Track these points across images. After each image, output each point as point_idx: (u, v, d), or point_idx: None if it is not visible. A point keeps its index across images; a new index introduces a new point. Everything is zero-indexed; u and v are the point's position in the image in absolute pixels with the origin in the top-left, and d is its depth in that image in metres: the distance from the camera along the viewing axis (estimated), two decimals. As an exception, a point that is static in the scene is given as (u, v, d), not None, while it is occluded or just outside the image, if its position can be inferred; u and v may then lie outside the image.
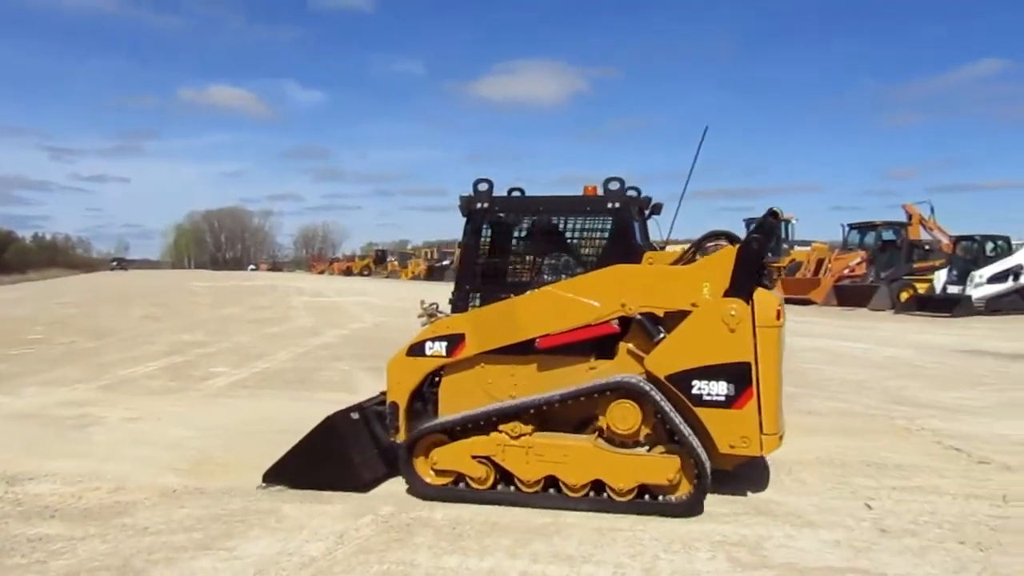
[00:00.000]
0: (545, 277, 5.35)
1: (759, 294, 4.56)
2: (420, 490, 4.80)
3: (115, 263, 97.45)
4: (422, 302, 5.43)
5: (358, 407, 5.32)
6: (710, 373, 4.51)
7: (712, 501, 4.58)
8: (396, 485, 5.03)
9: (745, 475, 5.06)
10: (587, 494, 4.59)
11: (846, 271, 25.20)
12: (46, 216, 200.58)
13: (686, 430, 4.47)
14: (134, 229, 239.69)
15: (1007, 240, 22.95)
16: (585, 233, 5.36)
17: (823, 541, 4.11)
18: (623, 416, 4.57)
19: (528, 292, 5.02)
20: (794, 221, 33.27)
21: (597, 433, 4.68)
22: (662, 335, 4.61)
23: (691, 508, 4.50)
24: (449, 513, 4.52)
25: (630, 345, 4.73)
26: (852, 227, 27.37)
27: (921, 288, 22.93)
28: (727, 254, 4.62)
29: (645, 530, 4.25)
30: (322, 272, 73.89)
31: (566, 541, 4.10)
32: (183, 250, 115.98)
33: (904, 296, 22.57)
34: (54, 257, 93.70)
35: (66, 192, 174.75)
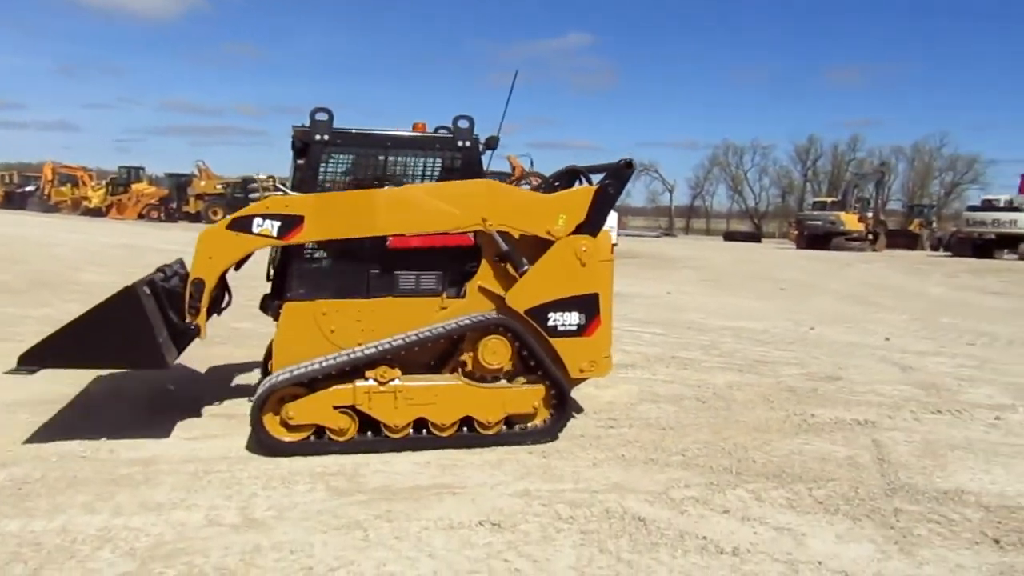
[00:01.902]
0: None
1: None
2: (273, 448, 4.41)
3: None
4: (257, 172, 4.67)
5: (147, 282, 4.51)
6: (564, 305, 4.80)
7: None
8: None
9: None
10: (456, 431, 4.67)
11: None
12: None
13: (548, 361, 4.73)
14: None
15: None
16: (424, 172, 5.11)
17: (416, 463, 4.44)
18: (494, 351, 4.68)
19: (388, 187, 4.71)
20: None
21: (460, 371, 4.69)
22: (526, 267, 4.75)
23: (553, 431, 4.88)
24: (13, 472, 3.97)
25: (480, 282, 4.79)
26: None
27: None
28: (586, 192, 4.90)
29: (244, 470, 4.19)
30: None
31: (155, 489, 3.88)
32: None
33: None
34: None
35: None
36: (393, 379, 4.58)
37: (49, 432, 4.63)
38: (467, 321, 4.75)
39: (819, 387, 6.66)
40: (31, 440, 4.52)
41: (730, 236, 48.88)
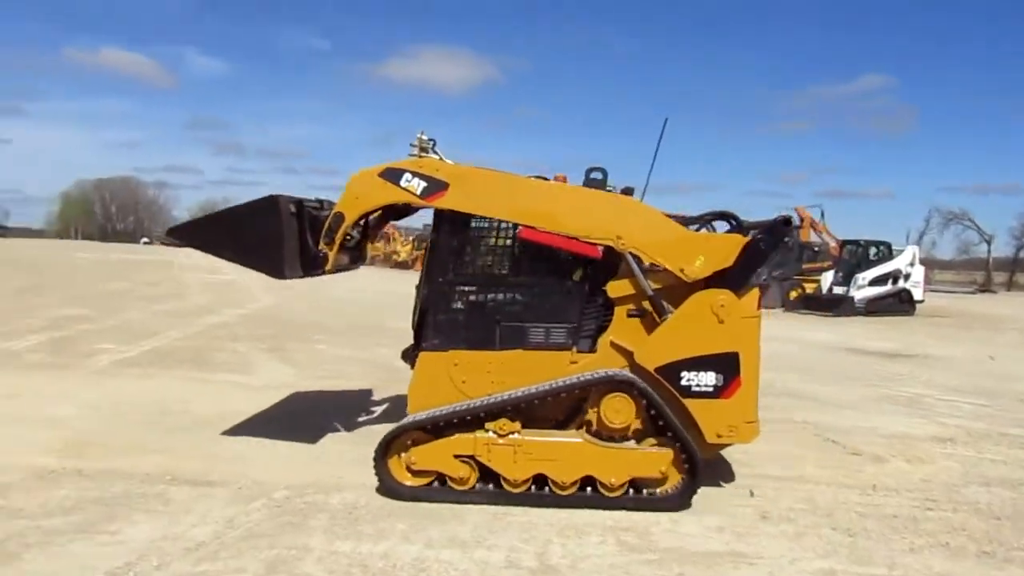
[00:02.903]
0: (526, 271, 4.90)
1: None
2: (396, 491, 4.50)
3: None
4: (422, 132, 4.97)
5: (295, 201, 4.97)
6: (699, 364, 4.51)
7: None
8: (291, 470, 4.93)
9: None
10: (577, 491, 4.49)
11: (740, 269, 26.16)
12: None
13: (678, 423, 4.47)
14: (15, 195, 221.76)
15: (888, 246, 24.42)
16: None
17: (707, 527, 4.28)
18: (617, 410, 4.50)
19: (535, 177, 4.85)
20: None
21: (585, 428, 4.59)
22: (669, 314, 4.58)
23: (682, 500, 4.49)
24: (345, 498, 4.48)
25: (612, 337, 4.70)
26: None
27: (809, 288, 24.15)
28: (734, 241, 4.62)
29: (540, 516, 4.32)
30: (220, 249, 70.94)
31: (461, 526, 4.13)
32: (69, 220, 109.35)
33: (793, 295, 23.74)
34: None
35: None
36: (512, 432, 4.47)
37: (366, 463, 5.13)
38: (587, 377, 4.54)
39: None
40: (354, 470, 5.02)
41: (1067, 293, 41.85)
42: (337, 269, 5.22)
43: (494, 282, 4.90)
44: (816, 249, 28.01)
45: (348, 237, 4.97)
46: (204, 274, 28.55)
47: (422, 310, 5.00)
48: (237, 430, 5.94)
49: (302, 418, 6.36)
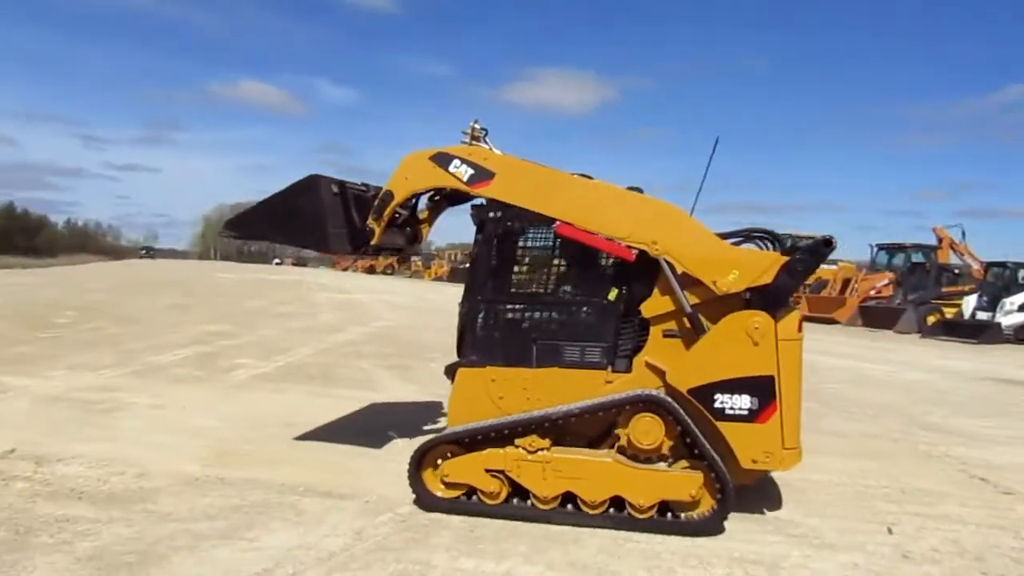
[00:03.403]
0: (563, 290, 4.92)
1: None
2: (429, 503, 4.62)
3: (144, 252, 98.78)
4: (475, 120, 5.03)
5: (339, 182, 5.14)
6: (733, 387, 4.40)
7: (729, 518, 4.48)
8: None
9: (763, 493, 5.05)
10: (606, 511, 4.47)
11: (873, 292, 25.01)
12: (76, 202, 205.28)
13: (709, 446, 4.39)
14: (163, 218, 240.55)
15: (1040, 268, 22.61)
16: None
17: (841, 563, 4.07)
18: (646, 430, 4.46)
19: (577, 175, 4.84)
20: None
21: (616, 448, 4.57)
22: (707, 331, 4.48)
23: (712, 526, 4.39)
24: (468, 516, 4.54)
25: (647, 357, 4.62)
26: (881, 247, 27.14)
27: (949, 313, 22.66)
28: (772, 260, 4.47)
29: (663, 543, 4.24)
30: (345, 269, 74.22)
31: (583, 550, 4.10)
32: (210, 241, 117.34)
33: (931, 320, 22.31)
34: (84, 243, 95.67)
35: (98, 180, 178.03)
36: (540, 449, 4.45)
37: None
38: (615, 397, 4.46)
39: None
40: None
41: None
42: (390, 249, 5.47)
43: (531, 300, 4.93)
44: (957, 272, 26.29)
45: (397, 215, 5.14)
46: (332, 293, 29.85)
47: (461, 326, 5.08)
48: (363, 445, 6.14)
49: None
